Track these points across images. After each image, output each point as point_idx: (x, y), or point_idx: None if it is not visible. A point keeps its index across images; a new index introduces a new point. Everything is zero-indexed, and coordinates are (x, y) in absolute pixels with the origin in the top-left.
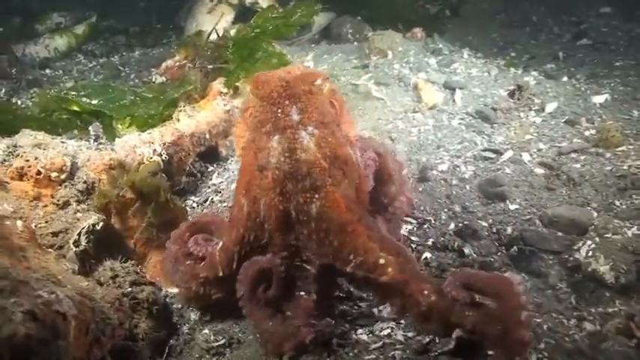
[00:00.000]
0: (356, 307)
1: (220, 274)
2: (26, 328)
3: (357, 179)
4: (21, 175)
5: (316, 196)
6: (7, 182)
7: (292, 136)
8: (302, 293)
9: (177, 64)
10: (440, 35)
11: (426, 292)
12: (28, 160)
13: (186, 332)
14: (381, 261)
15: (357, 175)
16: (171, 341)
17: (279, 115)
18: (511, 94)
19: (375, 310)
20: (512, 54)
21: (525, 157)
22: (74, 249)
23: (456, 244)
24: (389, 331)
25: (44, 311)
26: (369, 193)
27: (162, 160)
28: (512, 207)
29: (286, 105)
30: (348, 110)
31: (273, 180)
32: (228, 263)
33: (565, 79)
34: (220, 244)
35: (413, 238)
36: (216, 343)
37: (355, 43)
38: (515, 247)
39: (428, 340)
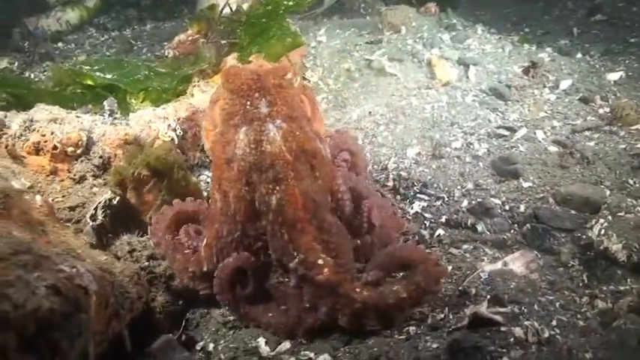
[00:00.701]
0: None
1: (205, 269)
2: (50, 302)
3: (329, 174)
4: (37, 150)
5: (277, 188)
6: (23, 157)
7: (259, 128)
8: (287, 280)
9: (190, 38)
10: (453, 10)
11: (358, 290)
12: (44, 135)
13: (202, 305)
14: (320, 261)
15: (329, 170)
16: (188, 314)
17: (247, 107)
18: (525, 71)
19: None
20: (526, 29)
21: (539, 134)
22: (91, 223)
23: (469, 221)
24: None
25: (67, 285)
26: None
27: (177, 136)
28: (526, 185)
29: (255, 97)
30: (318, 106)
31: (238, 171)
32: (211, 259)
33: (579, 55)
34: (204, 240)
35: (426, 214)
36: (232, 317)
37: (368, 17)
38: (528, 225)
39: (442, 315)
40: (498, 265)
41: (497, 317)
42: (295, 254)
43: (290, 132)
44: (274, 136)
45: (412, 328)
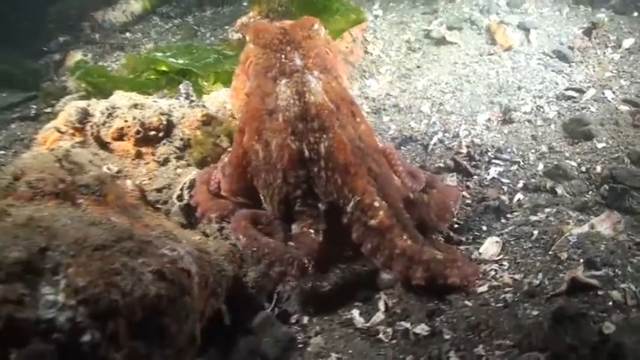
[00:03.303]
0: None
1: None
2: (156, 288)
3: (366, 120)
4: (121, 136)
5: (324, 136)
6: (109, 143)
7: (300, 80)
8: (311, 231)
9: (252, 20)
10: None
11: (404, 237)
12: (126, 121)
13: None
14: (376, 204)
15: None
16: (278, 288)
17: (283, 60)
18: (587, 32)
19: (476, 252)
20: None
21: (608, 94)
22: (178, 203)
23: (548, 184)
24: (493, 273)
25: (171, 269)
26: None
27: None
28: (600, 145)
29: (288, 51)
30: (341, 60)
31: (284, 121)
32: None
33: (635, 14)
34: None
35: (503, 180)
36: (322, 290)
37: None
38: (605, 186)
39: (537, 281)
40: (585, 227)
41: (594, 281)
42: (351, 197)
43: (327, 82)
44: (316, 87)
45: (508, 296)
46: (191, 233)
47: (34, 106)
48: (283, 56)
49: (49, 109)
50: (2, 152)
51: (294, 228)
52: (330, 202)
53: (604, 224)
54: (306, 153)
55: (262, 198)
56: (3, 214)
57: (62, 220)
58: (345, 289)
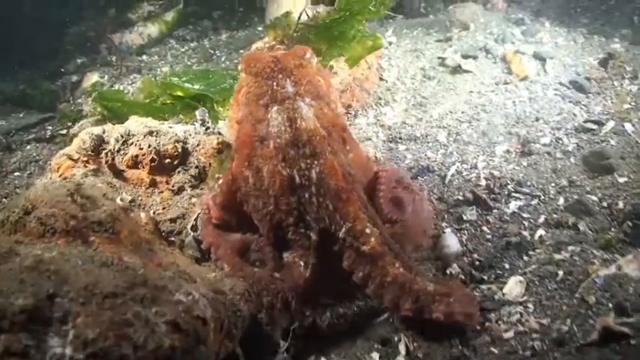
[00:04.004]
0: (478, 290)
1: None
2: (170, 340)
3: (358, 147)
4: (136, 163)
5: (315, 162)
6: (123, 170)
7: (291, 107)
8: (301, 263)
9: (267, 45)
10: (518, 4)
11: (397, 265)
12: (142, 149)
13: (307, 316)
14: (367, 230)
15: (357, 143)
16: (293, 325)
17: (274, 87)
18: (603, 63)
19: (500, 293)
20: (584, 20)
21: (628, 127)
22: (192, 234)
23: (570, 220)
24: (519, 316)
25: (186, 319)
26: None
27: None
28: (621, 180)
29: (280, 78)
30: (334, 89)
31: (275, 148)
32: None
33: None
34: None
35: (524, 214)
36: (341, 328)
37: (431, 16)
38: (628, 222)
39: (566, 328)
40: (612, 269)
41: (626, 329)
42: (342, 223)
43: (319, 109)
44: (307, 114)
45: (537, 343)
46: (206, 270)
47: (50, 128)
48: (275, 84)
49: (64, 131)
50: (17, 174)
51: (286, 256)
52: (322, 228)
53: (631, 265)
54: (297, 179)
55: (256, 223)
56: (11, 253)
57: (72, 261)
58: (363, 327)
